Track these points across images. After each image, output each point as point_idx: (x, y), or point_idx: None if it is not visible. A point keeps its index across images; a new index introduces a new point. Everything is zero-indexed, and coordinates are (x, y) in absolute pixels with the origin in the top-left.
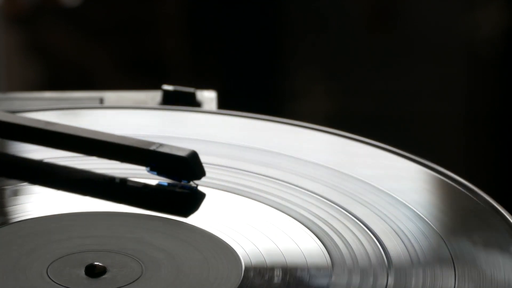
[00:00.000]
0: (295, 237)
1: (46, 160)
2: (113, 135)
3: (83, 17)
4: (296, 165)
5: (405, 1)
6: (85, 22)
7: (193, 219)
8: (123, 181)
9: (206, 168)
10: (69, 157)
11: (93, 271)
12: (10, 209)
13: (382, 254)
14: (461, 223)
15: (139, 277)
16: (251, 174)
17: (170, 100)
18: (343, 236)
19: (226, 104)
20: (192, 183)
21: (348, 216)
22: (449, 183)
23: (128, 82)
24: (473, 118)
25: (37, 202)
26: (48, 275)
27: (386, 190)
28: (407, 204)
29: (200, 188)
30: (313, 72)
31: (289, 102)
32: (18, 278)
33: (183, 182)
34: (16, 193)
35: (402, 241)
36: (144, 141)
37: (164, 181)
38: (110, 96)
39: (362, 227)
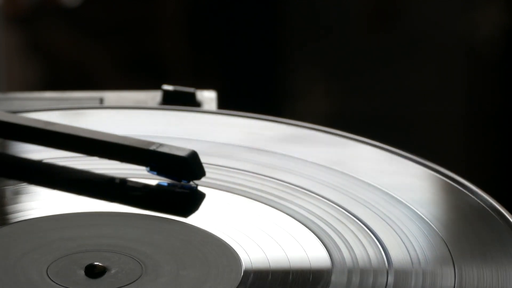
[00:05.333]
0: (295, 236)
1: (46, 160)
2: (113, 135)
3: (83, 17)
4: (296, 165)
5: (405, 1)
6: (85, 22)
7: (193, 219)
8: (123, 181)
9: (206, 168)
10: (69, 157)
11: (93, 271)
12: (10, 209)
13: (382, 254)
14: (460, 223)
15: (139, 277)
16: (251, 174)
17: (170, 100)
18: (342, 235)
19: (226, 104)
20: (192, 183)
21: (348, 216)
22: (448, 183)
23: (128, 82)
24: (473, 118)
25: (37, 202)
26: (48, 275)
27: (386, 190)
28: (407, 203)
29: (200, 188)
30: (313, 72)
31: (289, 102)
32: (18, 278)
33: (183, 182)
34: (16, 193)
35: (402, 241)
36: (144, 141)
37: (164, 181)
38: (110, 96)
39: (362, 227)
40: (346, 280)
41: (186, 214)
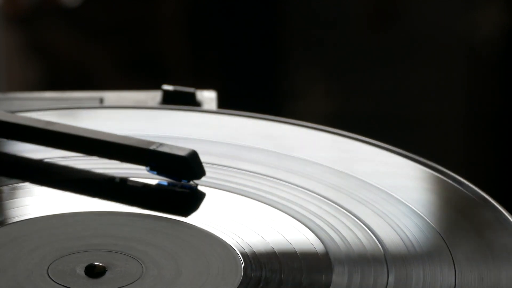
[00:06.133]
0: (295, 236)
1: (46, 160)
2: (113, 135)
3: (83, 17)
4: (296, 164)
5: (405, 1)
6: (85, 22)
7: (193, 219)
8: (123, 181)
9: (206, 168)
10: (69, 157)
11: (93, 271)
12: (10, 209)
13: (382, 254)
14: (459, 221)
15: (139, 277)
16: (251, 174)
17: (170, 100)
18: (343, 236)
19: (226, 104)
20: (192, 183)
21: (348, 215)
22: (448, 182)
23: (128, 82)
24: (473, 118)
25: (37, 202)
26: (48, 275)
27: (386, 189)
28: (406, 203)
29: (200, 187)
30: (313, 72)
31: (289, 102)
32: (18, 278)
33: (183, 182)
34: (16, 193)
35: (402, 240)
36: (144, 141)
37: (164, 180)
38: (110, 96)
39: (362, 226)
40: (347, 280)
41: (186, 213)
